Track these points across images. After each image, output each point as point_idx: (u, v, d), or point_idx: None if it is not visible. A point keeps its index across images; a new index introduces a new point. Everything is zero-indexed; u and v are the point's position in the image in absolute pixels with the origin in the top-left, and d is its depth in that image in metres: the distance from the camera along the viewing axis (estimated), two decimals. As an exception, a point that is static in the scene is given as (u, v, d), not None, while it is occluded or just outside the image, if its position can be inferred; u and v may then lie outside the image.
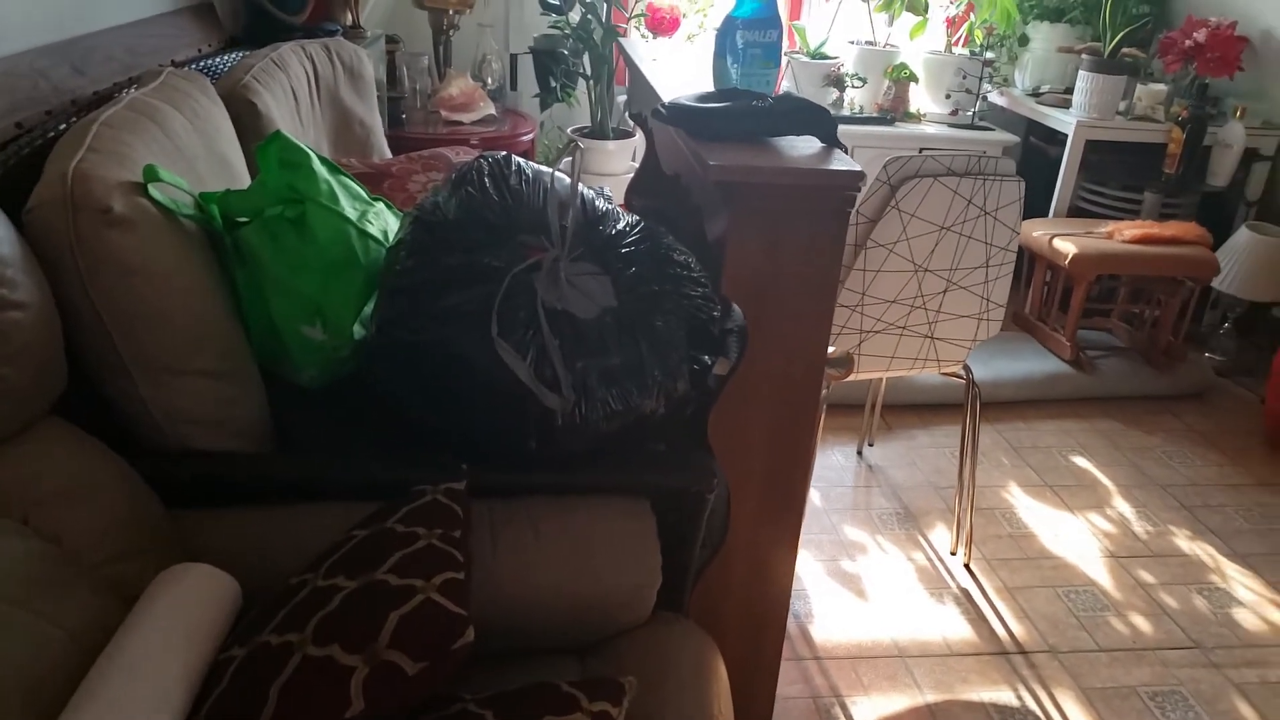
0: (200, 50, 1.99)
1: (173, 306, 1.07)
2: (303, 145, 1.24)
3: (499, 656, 1.14)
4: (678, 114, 1.31)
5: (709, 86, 1.58)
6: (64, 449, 0.95)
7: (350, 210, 1.26)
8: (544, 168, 1.28)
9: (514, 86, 3.51)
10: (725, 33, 1.46)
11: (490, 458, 1.16)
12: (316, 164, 1.24)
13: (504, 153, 1.27)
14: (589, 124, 3.34)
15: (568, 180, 1.26)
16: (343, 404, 1.35)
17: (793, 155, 1.19)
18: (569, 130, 3.36)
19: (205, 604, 0.91)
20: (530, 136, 3.07)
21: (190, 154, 1.30)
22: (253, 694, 0.77)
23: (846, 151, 1.23)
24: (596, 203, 1.28)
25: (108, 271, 1.00)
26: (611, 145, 3.22)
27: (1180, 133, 3.12)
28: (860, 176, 1.14)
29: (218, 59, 1.97)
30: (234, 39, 2.25)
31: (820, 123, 1.25)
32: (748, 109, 1.26)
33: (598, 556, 1.15)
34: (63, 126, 1.26)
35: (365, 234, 1.27)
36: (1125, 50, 3.18)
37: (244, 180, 1.51)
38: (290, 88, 1.86)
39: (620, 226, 1.28)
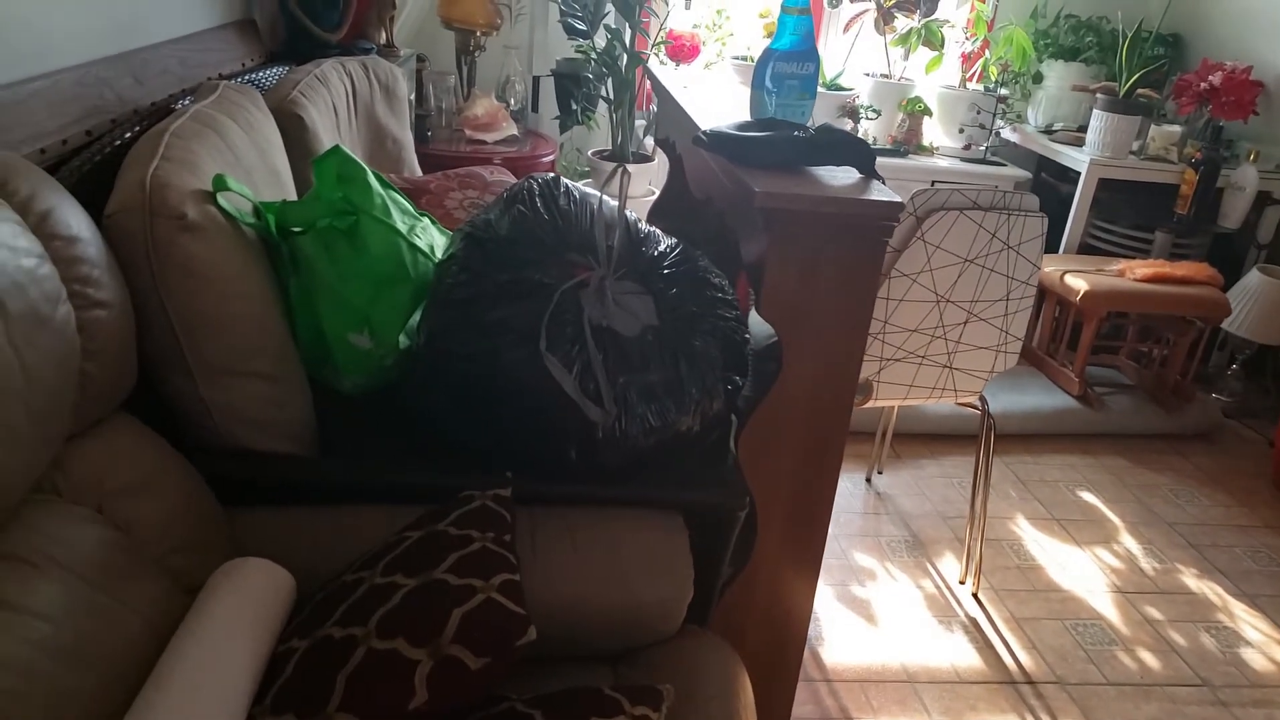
0: (244, 64, 2.05)
1: (235, 311, 1.11)
2: (358, 160, 1.29)
3: (533, 661, 1.16)
4: (720, 141, 1.35)
5: (739, 114, 1.63)
6: (133, 443, 0.99)
7: (400, 224, 1.31)
8: (590, 190, 1.32)
9: (535, 108, 3.57)
10: (763, 64, 1.51)
11: (531, 467, 1.19)
12: (371, 178, 1.28)
13: (552, 174, 1.31)
14: (607, 147, 3.39)
15: (612, 202, 1.30)
16: (381, 410, 1.38)
17: (834, 184, 1.24)
18: (589, 153, 3.41)
19: (265, 597, 0.94)
20: (551, 158, 3.12)
21: (247, 164, 1.34)
22: (319, 683, 0.81)
23: (884, 183, 1.28)
24: (639, 225, 1.33)
25: (179, 275, 1.04)
26: (630, 169, 3.27)
27: (1193, 174, 3.17)
28: (900, 208, 1.19)
29: (260, 73, 2.02)
30: (274, 54, 2.30)
31: (860, 155, 1.29)
32: (790, 139, 1.30)
33: (633, 567, 1.18)
34: (128, 135, 1.30)
35: (414, 247, 1.31)
36: (1140, 91, 3.24)
37: (291, 190, 1.56)
38: (332, 103, 1.91)
39: (662, 248, 1.32)
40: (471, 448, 1.23)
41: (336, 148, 1.27)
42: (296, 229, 1.26)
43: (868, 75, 3.77)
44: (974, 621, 2.17)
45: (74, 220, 0.92)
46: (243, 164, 1.33)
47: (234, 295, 1.10)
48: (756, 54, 3.67)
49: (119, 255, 1.01)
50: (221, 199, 1.13)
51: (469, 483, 1.11)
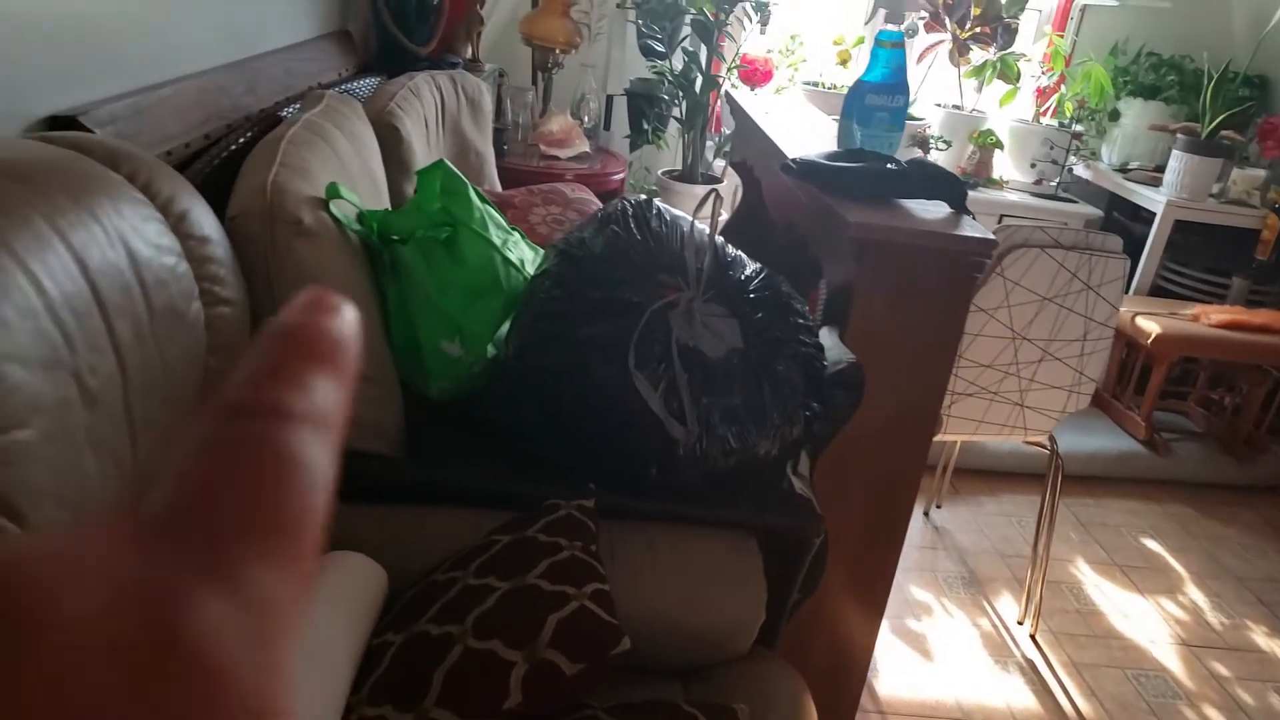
0: (339, 74, 2.12)
1: (340, 314, 1.15)
2: (460, 174, 1.33)
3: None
4: (810, 170, 1.37)
5: (818, 141, 1.65)
6: (243, 437, 1.03)
7: (496, 237, 1.35)
8: (681, 212, 1.35)
9: (607, 126, 3.62)
10: (855, 95, 1.53)
11: (611, 480, 1.22)
12: (472, 192, 1.33)
13: (645, 196, 1.34)
14: (676, 167, 3.43)
15: (702, 226, 1.33)
16: (462, 416, 1.42)
17: (926, 218, 1.25)
18: (659, 172, 3.45)
19: (361, 590, 0.97)
20: (621, 176, 3.16)
21: (351, 172, 1.39)
22: (417, 678, 0.83)
23: (974, 219, 1.29)
24: (727, 249, 1.35)
25: (293, 276, 1.09)
26: (699, 190, 3.30)
27: (1276, 220, 3.12)
28: (992, 244, 1.20)
29: (355, 83, 2.08)
30: (366, 65, 2.38)
31: (952, 189, 1.30)
32: (882, 171, 1.32)
33: (708, 586, 1.20)
34: (241, 140, 1.36)
35: (508, 261, 1.35)
36: (1224, 132, 3.20)
37: (386, 199, 1.61)
38: (423, 115, 1.96)
39: (748, 272, 1.34)
40: (555, 458, 1.26)
41: (441, 161, 1.32)
42: (397, 237, 1.31)
43: (939, 106, 3.77)
44: (1031, 664, 2.14)
45: (206, 222, 0.96)
46: (348, 172, 1.38)
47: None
48: (828, 80, 3.71)
49: (239, 256, 1.06)
50: (333, 206, 1.17)
51: (551, 492, 1.14)
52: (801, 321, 1.34)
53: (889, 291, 1.24)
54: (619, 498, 1.24)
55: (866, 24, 3.55)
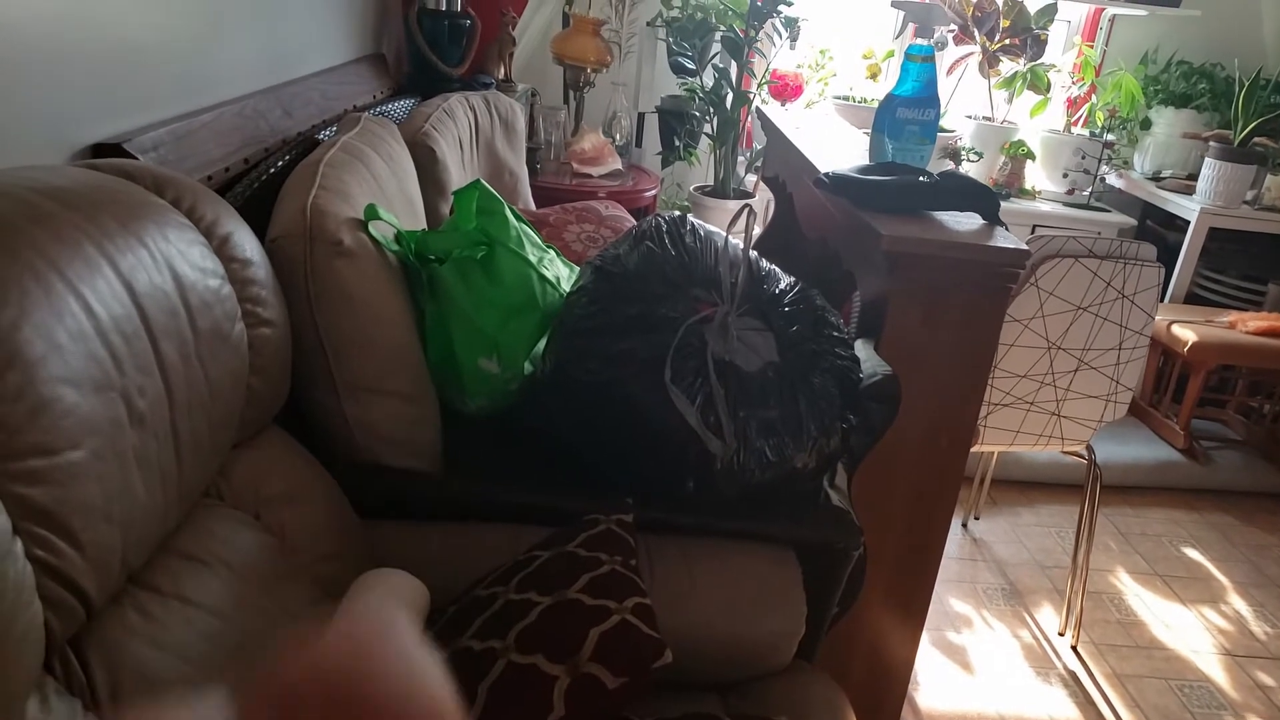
0: (374, 96, 2.15)
1: (380, 332, 1.17)
2: (497, 194, 1.35)
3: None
4: (842, 184, 1.37)
5: (850, 155, 1.65)
6: (286, 454, 1.05)
7: (532, 256, 1.36)
8: (714, 228, 1.36)
9: (639, 143, 3.65)
10: (886, 109, 1.53)
11: (649, 494, 1.22)
12: (508, 212, 1.34)
13: (679, 213, 1.35)
14: (708, 183, 3.44)
15: (736, 240, 1.33)
16: (498, 432, 1.43)
17: (958, 230, 1.25)
18: (691, 188, 3.46)
19: (405, 606, 0.98)
20: (653, 193, 3.18)
21: (388, 193, 1.42)
22: (462, 693, 0.84)
23: (1007, 229, 1.29)
24: (761, 263, 1.36)
25: (332, 297, 1.11)
26: (731, 205, 3.31)
27: (1311, 226, 3.07)
28: (1025, 255, 1.19)
29: (390, 105, 2.12)
30: (400, 87, 2.41)
31: (984, 201, 1.30)
32: (914, 184, 1.32)
33: (748, 600, 1.20)
34: (280, 164, 1.39)
35: (544, 278, 1.36)
36: (1257, 139, 3.16)
37: (422, 219, 1.63)
38: (458, 136, 1.99)
39: (782, 286, 1.35)
40: (592, 473, 1.27)
41: (477, 181, 1.34)
42: (434, 257, 1.32)
43: (970, 118, 3.76)
44: (1073, 675, 2.11)
45: (248, 244, 0.98)
46: (385, 193, 1.40)
47: (379, 318, 1.17)
48: (858, 94, 3.70)
49: (280, 277, 1.08)
50: (371, 227, 1.19)
51: (589, 507, 1.14)
52: (836, 334, 1.34)
53: (923, 303, 1.24)
54: (657, 512, 1.24)
55: (896, 38, 3.55)
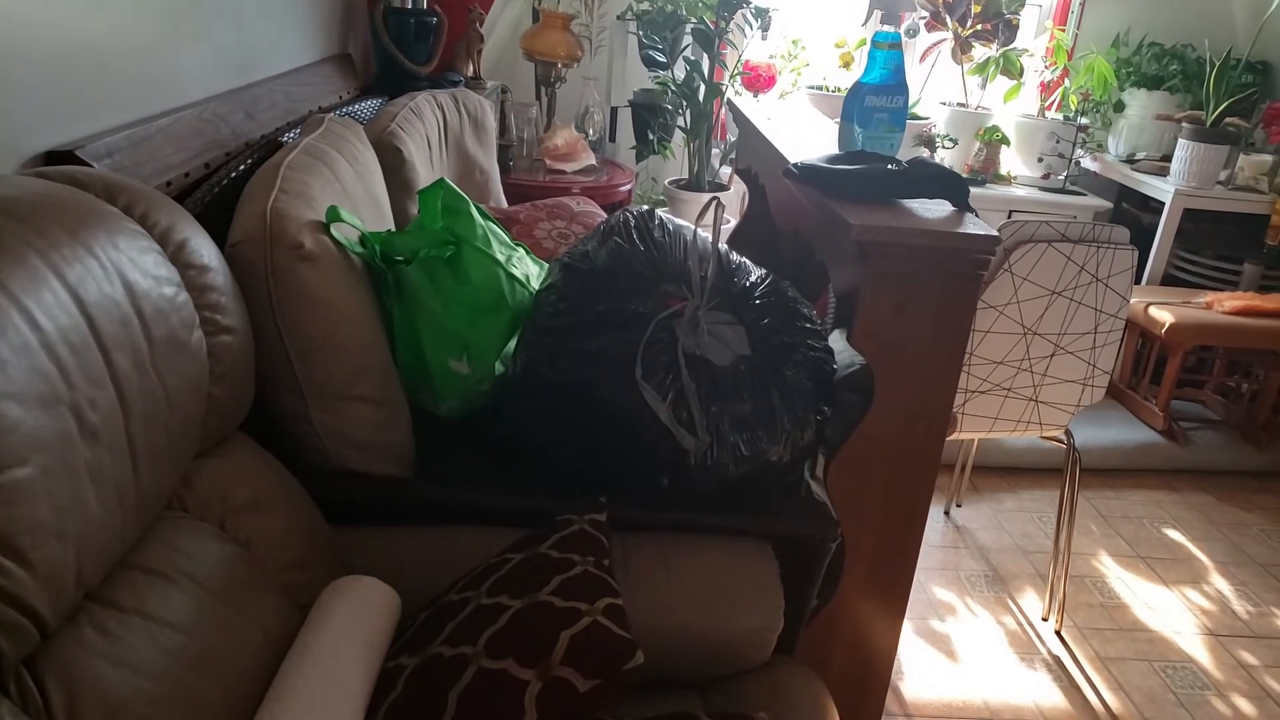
0: (340, 97, 2.13)
1: (345, 336, 1.15)
2: (462, 192, 1.33)
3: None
4: (811, 174, 1.37)
5: (822, 145, 1.64)
6: (251, 463, 1.03)
7: (500, 254, 1.35)
8: (683, 222, 1.35)
9: (613, 138, 3.63)
10: (853, 97, 1.53)
11: (624, 493, 1.21)
12: (474, 210, 1.33)
13: (647, 207, 1.34)
14: (683, 176, 3.43)
15: (705, 234, 1.32)
16: (471, 434, 1.42)
17: (928, 218, 1.24)
18: (666, 182, 3.45)
19: (374, 614, 0.97)
20: (628, 188, 3.17)
21: (353, 195, 1.40)
22: (431, 700, 0.83)
23: (977, 216, 1.28)
24: (731, 256, 1.35)
25: (295, 301, 1.09)
26: (706, 198, 3.31)
27: (1284, 205, 3.09)
28: (995, 241, 1.19)
29: (356, 105, 2.09)
30: (368, 87, 2.39)
31: (953, 188, 1.30)
32: (884, 172, 1.31)
33: (724, 595, 1.19)
34: (241, 168, 1.37)
35: (512, 277, 1.35)
36: (1228, 120, 3.17)
37: (390, 219, 1.61)
38: (425, 135, 1.97)
39: (753, 279, 1.33)
40: (565, 472, 1.26)
41: (441, 180, 1.32)
42: (400, 258, 1.31)
43: (944, 104, 3.76)
44: (1058, 660, 2.12)
45: (205, 250, 0.97)
46: (349, 195, 1.38)
47: (344, 322, 1.15)
48: (832, 83, 3.70)
49: (241, 283, 1.06)
50: (334, 229, 1.17)
51: (562, 507, 1.13)
52: (809, 326, 1.33)
53: (894, 292, 1.24)
54: (632, 510, 1.23)
55: (863, 25, 3.54)
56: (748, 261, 1.38)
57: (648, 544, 1.22)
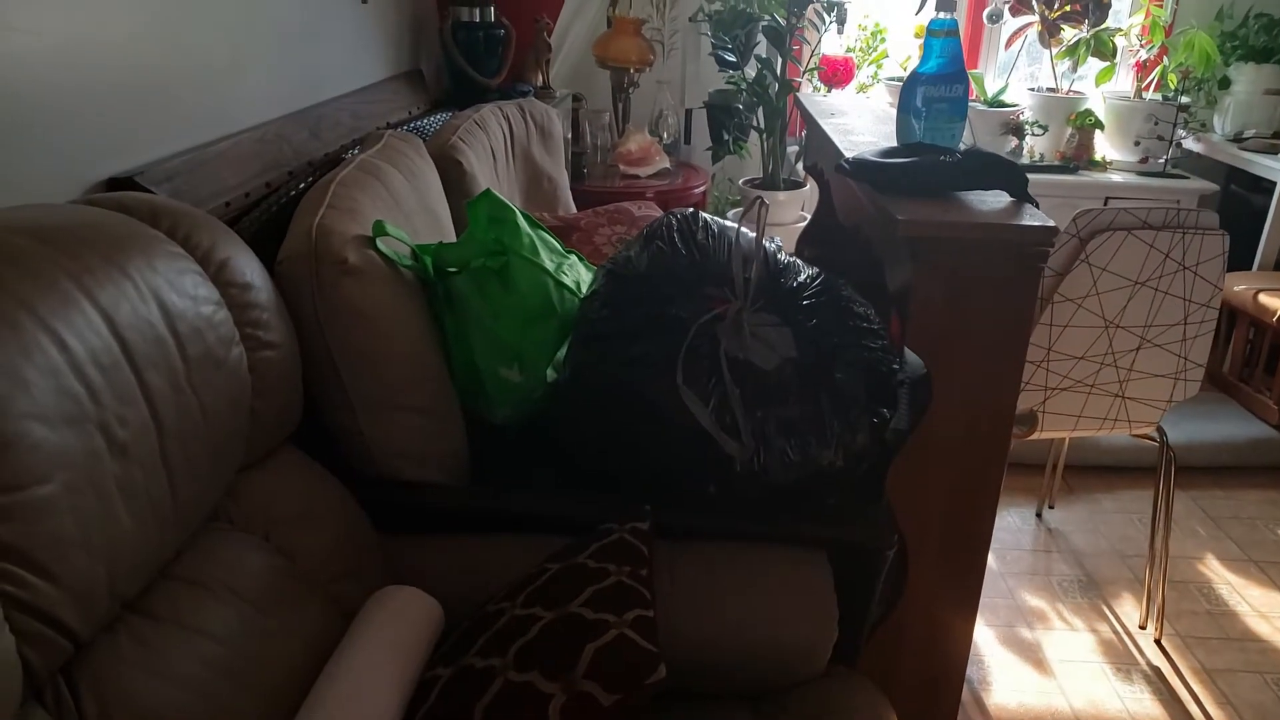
0: (410, 113, 2.17)
1: (393, 348, 1.17)
2: (508, 202, 1.34)
3: (672, 696, 1.16)
4: (862, 169, 1.33)
5: (887, 139, 1.59)
6: (298, 475, 1.06)
7: (548, 262, 1.35)
8: (729, 222, 1.32)
9: (688, 140, 3.61)
10: (909, 88, 1.48)
11: (669, 500, 1.20)
12: (520, 219, 1.34)
13: (691, 209, 1.32)
14: (759, 175, 3.39)
15: (751, 234, 1.30)
16: (530, 442, 1.42)
17: (981, 210, 1.19)
18: (740, 182, 3.42)
19: (414, 625, 0.98)
20: (702, 189, 3.15)
21: (407, 209, 1.42)
22: (459, 713, 0.83)
23: (1037, 206, 1.22)
24: (779, 256, 1.32)
25: (341, 315, 1.11)
26: (782, 196, 3.25)
27: None
28: (1053, 232, 1.13)
29: (425, 120, 2.14)
30: (438, 101, 2.43)
31: (1010, 177, 1.24)
32: (934, 164, 1.27)
33: (775, 605, 1.16)
34: (302, 185, 1.41)
35: (561, 284, 1.35)
36: (1345, 93, 2.96)
37: (450, 232, 1.64)
38: (490, 146, 1.99)
39: (802, 279, 1.30)
40: (613, 480, 1.25)
41: (487, 191, 1.33)
42: (451, 269, 1.33)
43: (1032, 90, 3.62)
44: (1157, 671, 2.01)
45: (248, 268, 1.00)
46: (403, 209, 1.41)
47: (391, 334, 1.17)
48: (912, 74, 3.60)
49: (288, 299, 1.09)
50: (380, 243, 1.20)
51: (611, 515, 1.13)
52: (864, 325, 1.29)
53: (946, 287, 1.19)
54: (680, 517, 1.21)
55: (916, 14, 3.41)
56: (799, 261, 1.35)
57: (694, 553, 1.20)
